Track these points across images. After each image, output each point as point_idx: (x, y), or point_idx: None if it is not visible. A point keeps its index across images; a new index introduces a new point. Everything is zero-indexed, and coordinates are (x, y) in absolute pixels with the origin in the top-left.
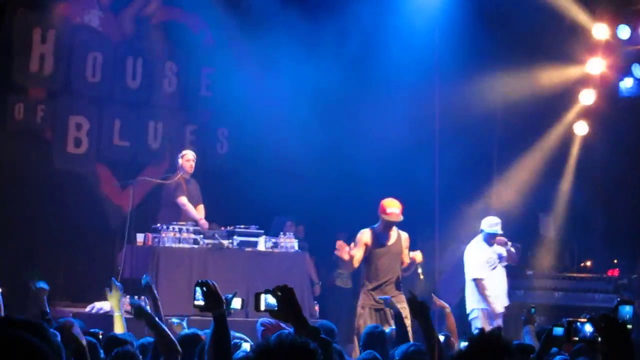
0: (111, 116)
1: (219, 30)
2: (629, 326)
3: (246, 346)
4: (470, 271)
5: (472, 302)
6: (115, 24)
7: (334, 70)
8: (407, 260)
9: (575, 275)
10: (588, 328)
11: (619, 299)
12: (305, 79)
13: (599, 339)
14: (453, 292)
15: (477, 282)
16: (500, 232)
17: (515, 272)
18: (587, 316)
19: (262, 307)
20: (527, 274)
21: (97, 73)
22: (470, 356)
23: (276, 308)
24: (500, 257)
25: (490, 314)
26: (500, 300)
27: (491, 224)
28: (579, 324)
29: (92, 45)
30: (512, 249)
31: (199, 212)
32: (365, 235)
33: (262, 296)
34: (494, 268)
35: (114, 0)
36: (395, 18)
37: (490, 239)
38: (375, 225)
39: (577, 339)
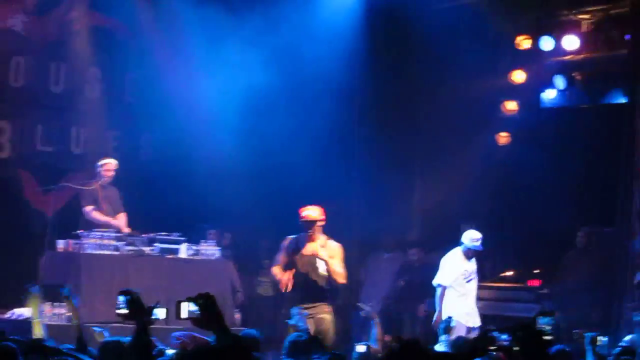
0: (34, 121)
1: (143, 35)
2: (548, 337)
3: (170, 352)
4: (440, 277)
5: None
6: (39, 28)
7: (258, 74)
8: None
9: (496, 284)
10: (504, 337)
11: (539, 310)
12: (230, 85)
13: (515, 348)
14: (376, 300)
15: (442, 289)
16: (480, 248)
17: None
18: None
19: (183, 315)
20: None
21: (20, 78)
22: None
23: (197, 316)
24: (475, 272)
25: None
26: (474, 314)
27: (473, 238)
28: (496, 333)
29: (15, 49)
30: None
31: (119, 220)
32: (285, 242)
33: (183, 304)
34: (469, 281)
35: (39, 4)
36: (317, 19)
37: (469, 253)
38: (300, 233)
39: (493, 347)
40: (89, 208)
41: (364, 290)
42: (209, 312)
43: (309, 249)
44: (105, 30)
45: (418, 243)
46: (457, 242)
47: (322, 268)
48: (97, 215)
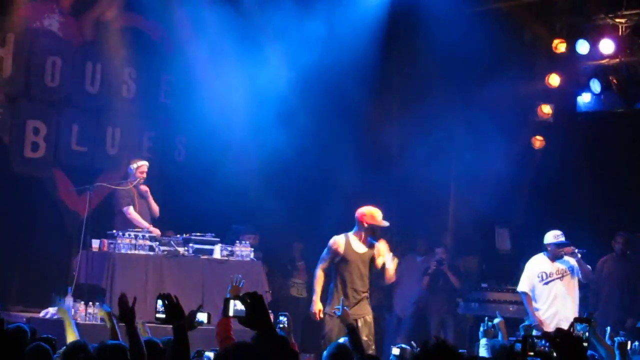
0: (69, 121)
1: (178, 37)
2: (585, 344)
3: (209, 354)
4: (519, 284)
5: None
6: (75, 28)
7: (294, 76)
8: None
9: (518, 287)
10: (544, 343)
11: (575, 317)
12: (265, 86)
13: (554, 353)
14: (408, 303)
15: (523, 295)
16: (562, 240)
17: (471, 284)
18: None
19: (231, 313)
20: (482, 287)
21: (55, 77)
22: None
23: (244, 314)
24: (568, 270)
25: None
26: (556, 317)
27: (556, 234)
28: (536, 338)
29: (51, 49)
30: (579, 255)
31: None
32: (334, 241)
33: (231, 302)
34: (546, 283)
35: (75, 5)
36: (350, 32)
37: (556, 251)
38: (351, 232)
39: (532, 353)
40: (130, 209)
41: (396, 293)
42: (257, 311)
43: (364, 247)
44: (141, 31)
45: (447, 245)
46: (490, 246)
47: (389, 264)
48: (137, 217)
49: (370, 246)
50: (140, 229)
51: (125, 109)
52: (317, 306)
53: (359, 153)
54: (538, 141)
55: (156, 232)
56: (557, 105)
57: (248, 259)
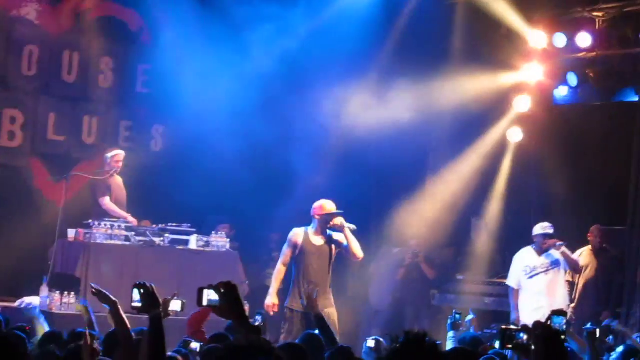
0: (46, 110)
1: (156, 26)
2: (562, 336)
3: (195, 345)
4: (508, 278)
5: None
6: (53, 17)
7: (269, 69)
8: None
9: (506, 280)
10: (522, 335)
11: (552, 310)
12: (243, 75)
13: (532, 347)
14: (385, 294)
15: (510, 289)
16: (549, 232)
17: (446, 276)
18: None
19: (205, 302)
20: (458, 279)
21: (33, 66)
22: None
23: (218, 304)
24: (553, 264)
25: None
26: (540, 312)
27: (544, 226)
28: (513, 331)
29: (29, 38)
30: (563, 248)
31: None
32: (293, 234)
33: (205, 291)
34: (531, 277)
35: None
36: (328, 21)
37: (540, 242)
38: (309, 226)
39: (510, 346)
40: (106, 199)
41: (372, 285)
42: (231, 300)
43: (322, 240)
44: (119, 20)
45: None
46: (466, 237)
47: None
48: (114, 207)
49: (330, 239)
50: (116, 219)
51: (102, 98)
52: (272, 299)
53: (336, 144)
54: (515, 134)
55: (133, 221)
56: (534, 98)
57: (224, 249)
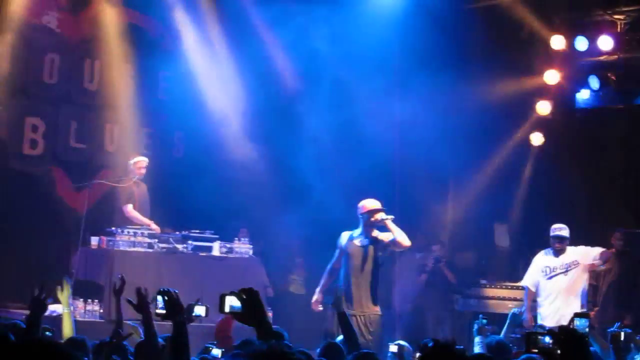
0: (68, 118)
1: (177, 33)
2: (586, 339)
3: (217, 352)
4: (524, 277)
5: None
6: (73, 25)
7: (290, 74)
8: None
9: (521, 281)
10: (547, 339)
11: (574, 312)
12: (261, 83)
13: (558, 351)
14: (407, 300)
15: (524, 288)
16: (558, 234)
17: (469, 281)
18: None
19: (227, 309)
20: (481, 283)
21: (54, 74)
22: None
23: (240, 310)
24: (573, 264)
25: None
26: (558, 313)
27: (553, 227)
28: (538, 335)
29: (49, 46)
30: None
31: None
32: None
33: (227, 298)
34: (549, 277)
35: (73, 1)
36: (352, 25)
37: (554, 246)
38: (357, 228)
39: (536, 350)
40: (129, 207)
41: (394, 289)
42: (253, 307)
43: (367, 240)
44: (139, 28)
45: (445, 242)
46: (489, 242)
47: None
48: (137, 215)
49: (374, 240)
50: (139, 226)
51: (123, 105)
52: (315, 297)
53: (359, 148)
54: (536, 138)
55: (156, 228)
56: (555, 102)
57: (247, 255)
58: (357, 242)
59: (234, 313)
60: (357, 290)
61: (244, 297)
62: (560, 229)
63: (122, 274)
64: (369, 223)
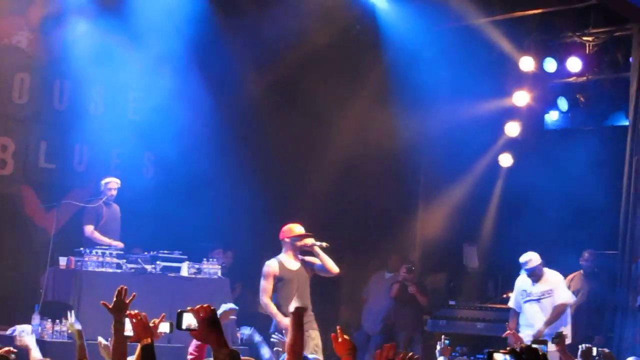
0: (37, 138)
1: (147, 52)
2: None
3: None
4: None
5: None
6: (43, 45)
7: (259, 89)
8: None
9: (498, 306)
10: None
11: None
12: (234, 101)
13: None
14: (377, 319)
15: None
16: (530, 266)
17: (439, 302)
18: None
19: (184, 326)
20: (450, 304)
21: (24, 94)
22: None
23: (196, 328)
24: (547, 293)
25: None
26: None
27: (521, 261)
28: (500, 354)
29: (19, 66)
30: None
31: (118, 242)
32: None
33: (184, 315)
34: (525, 301)
35: (43, 21)
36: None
37: (530, 273)
38: (280, 254)
39: None
40: (89, 228)
41: (365, 309)
42: (208, 324)
43: (297, 263)
44: (110, 48)
45: (414, 262)
46: (458, 263)
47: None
48: (97, 236)
49: (303, 262)
50: (107, 246)
51: (93, 125)
52: (286, 320)
53: (333, 169)
54: (506, 159)
55: (118, 244)
56: (524, 123)
57: (216, 276)
58: (289, 266)
59: (190, 330)
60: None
61: (201, 314)
62: (527, 262)
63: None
64: (296, 247)
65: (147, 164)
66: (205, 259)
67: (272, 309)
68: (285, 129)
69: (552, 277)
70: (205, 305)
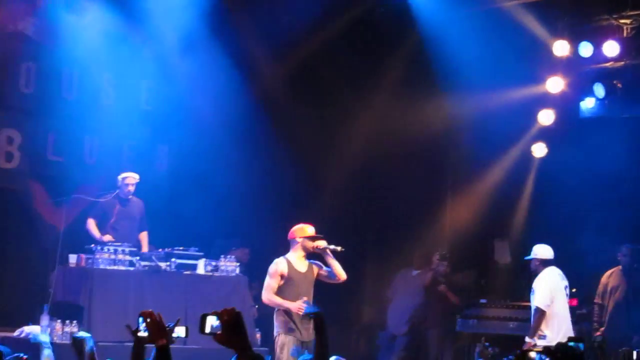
0: (45, 130)
1: (160, 41)
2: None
3: None
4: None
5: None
6: (51, 31)
7: (281, 81)
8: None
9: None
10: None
11: (568, 337)
12: (249, 92)
13: None
14: (403, 320)
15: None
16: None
17: (468, 300)
18: None
19: (207, 330)
20: (480, 303)
21: (31, 84)
22: None
23: (220, 332)
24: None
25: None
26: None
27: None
28: (533, 353)
29: (26, 54)
30: None
31: (142, 239)
32: (280, 264)
33: (208, 318)
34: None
35: (51, 7)
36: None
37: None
38: (289, 254)
39: None
40: (89, 221)
41: (390, 309)
42: (233, 328)
43: (305, 265)
44: (121, 35)
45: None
46: (488, 258)
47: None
48: (91, 228)
49: (310, 265)
50: (120, 243)
51: (103, 116)
52: (295, 304)
53: (356, 160)
54: (539, 148)
55: (106, 237)
56: (559, 111)
57: (234, 274)
58: (298, 267)
59: (213, 334)
60: (304, 319)
61: (225, 317)
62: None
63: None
64: (307, 249)
65: (161, 156)
66: (222, 256)
67: (277, 299)
68: (305, 119)
69: (538, 278)
70: (229, 308)
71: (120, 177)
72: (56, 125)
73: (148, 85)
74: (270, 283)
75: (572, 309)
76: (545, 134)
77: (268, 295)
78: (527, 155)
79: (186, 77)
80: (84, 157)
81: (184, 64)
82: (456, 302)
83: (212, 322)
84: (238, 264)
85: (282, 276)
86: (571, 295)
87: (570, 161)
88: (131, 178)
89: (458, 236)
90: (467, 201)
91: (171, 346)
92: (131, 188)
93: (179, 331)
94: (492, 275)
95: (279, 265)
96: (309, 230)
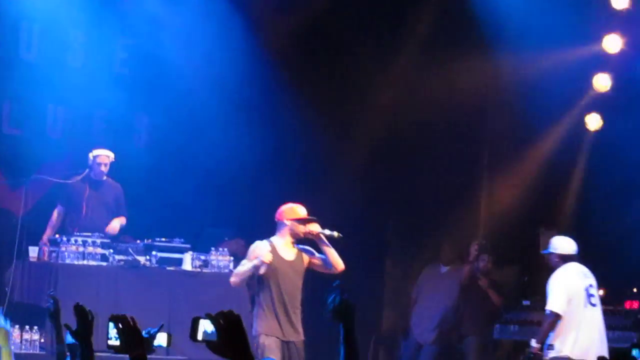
0: (0, 97)
1: None
2: None
3: None
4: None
5: None
6: None
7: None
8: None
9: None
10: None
11: (634, 341)
12: (247, 54)
13: None
14: (430, 326)
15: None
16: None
17: (508, 302)
18: None
19: (199, 337)
20: (524, 305)
21: None
22: None
23: (214, 339)
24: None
25: None
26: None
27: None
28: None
29: None
30: None
31: (112, 222)
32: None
33: (201, 322)
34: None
35: None
36: None
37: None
38: (274, 236)
39: None
40: (57, 209)
41: (414, 313)
42: (232, 335)
43: (293, 252)
44: None
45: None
46: (533, 251)
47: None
48: (52, 218)
49: (300, 251)
50: (90, 233)
51: (70, 81)
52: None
53: (374, 137)
54: (593, 120)
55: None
56: (617, 75)
57: (226, 270)
58: (284, 254)
59: (208, 342)
60: (294, 313)
61: (222, 322)
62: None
63: (53, 292)
64: (296, 233)
65: (140, 129)
66: (213, 249)
67: (242, 267)
68: (316, 83)
69: (553, 276)
70: (226, 310)
71: (91, 155)
72: (13, 91)
73: (124, 43)
74: (243, 267)
75: (633, 313)
76: (600, 103)
77: (234, 278)
78: (580, 128)
79: (171, 30)
80: (46, 129)
81: (168, 13)
82: (498, 304)
83: (205, 327)
84: (232, 258)
85: (262, 263)
86: (632, 297)
87: (630, 135)
88: (104, 157)
89: (496, 225)
90: (506, 183)
91: (151, 357)
92: (104, 168)
93: (160, 339)
94: (537, 272)
95: (259, 249)
96: (300, 211)
